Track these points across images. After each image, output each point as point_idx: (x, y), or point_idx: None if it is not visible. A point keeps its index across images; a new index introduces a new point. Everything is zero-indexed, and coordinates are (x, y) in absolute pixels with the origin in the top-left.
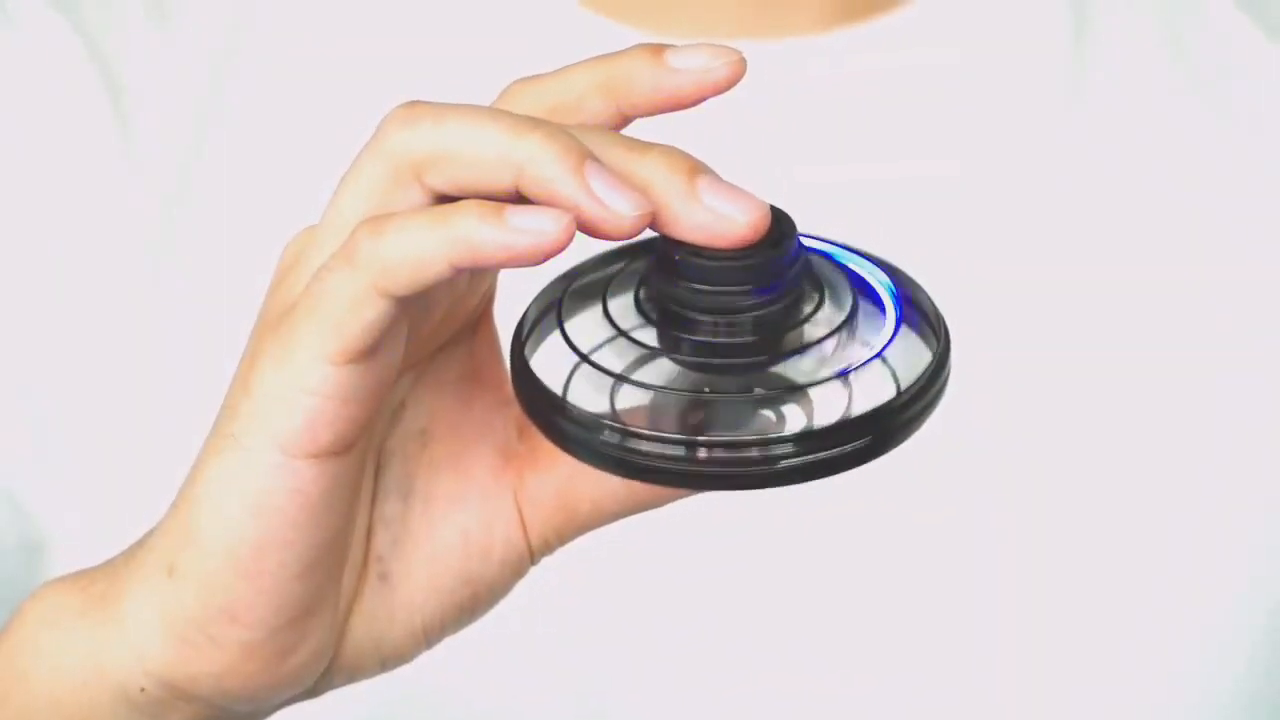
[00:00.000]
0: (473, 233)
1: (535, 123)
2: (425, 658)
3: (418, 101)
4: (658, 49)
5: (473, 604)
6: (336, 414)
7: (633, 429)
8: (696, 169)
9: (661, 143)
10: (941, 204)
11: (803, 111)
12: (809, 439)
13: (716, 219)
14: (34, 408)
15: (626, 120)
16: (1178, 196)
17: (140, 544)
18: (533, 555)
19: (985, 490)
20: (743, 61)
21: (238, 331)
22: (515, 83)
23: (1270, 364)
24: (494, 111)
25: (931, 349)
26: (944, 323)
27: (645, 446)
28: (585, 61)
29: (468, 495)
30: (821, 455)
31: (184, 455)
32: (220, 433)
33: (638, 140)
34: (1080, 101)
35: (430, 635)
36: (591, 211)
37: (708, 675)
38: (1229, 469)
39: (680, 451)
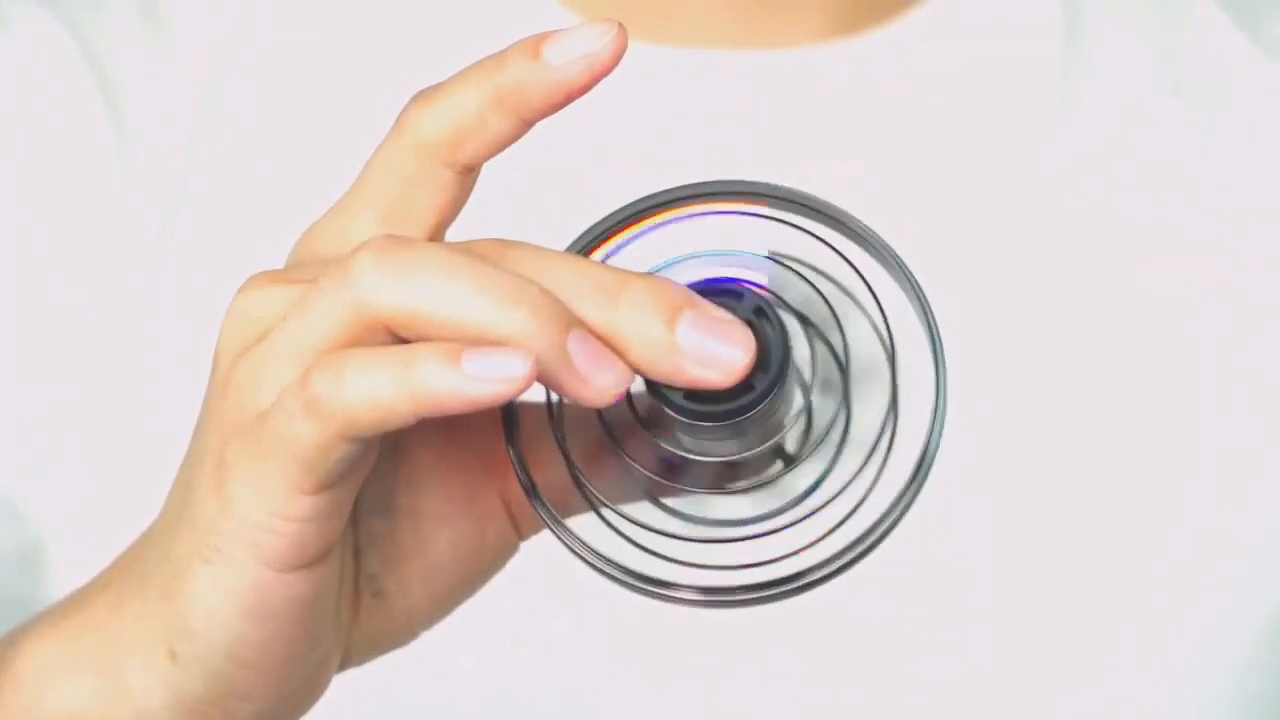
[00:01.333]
0: (435, 384)
1: (521, 291)
2: (419, 657)
3: (391, 241)
4: (534, 46)
5: (467, 594)
6: (318, 532)
7: (612, 574)
8: (676, 311)
9: (638, 278)
10: (932, 209)
11: (798, 119)
12: (794, 579)
13: (701, 369)
14: (31, 411)
15: (531, 125)
16: (1165, 202)
17: (121, 592)
18: (521, 536)
19: (980, 493)
20: (623, 31)
21: None
22: (411, 104)
23: (1258, 365)
24: (476, 272)
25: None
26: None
27: (622, 578)
28: (474, 71)
29: (453, 506)
30: (807, 581)
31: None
32: (203, 541)
33: (611, 282)
34: (1070, 110)
35: (427, 628)
36: (574, 390)
37: (699, 673)
38: (1223, 473)
39: (659, 590)
